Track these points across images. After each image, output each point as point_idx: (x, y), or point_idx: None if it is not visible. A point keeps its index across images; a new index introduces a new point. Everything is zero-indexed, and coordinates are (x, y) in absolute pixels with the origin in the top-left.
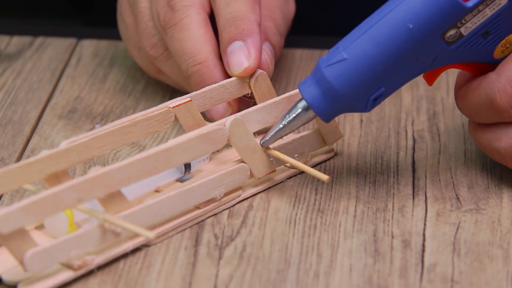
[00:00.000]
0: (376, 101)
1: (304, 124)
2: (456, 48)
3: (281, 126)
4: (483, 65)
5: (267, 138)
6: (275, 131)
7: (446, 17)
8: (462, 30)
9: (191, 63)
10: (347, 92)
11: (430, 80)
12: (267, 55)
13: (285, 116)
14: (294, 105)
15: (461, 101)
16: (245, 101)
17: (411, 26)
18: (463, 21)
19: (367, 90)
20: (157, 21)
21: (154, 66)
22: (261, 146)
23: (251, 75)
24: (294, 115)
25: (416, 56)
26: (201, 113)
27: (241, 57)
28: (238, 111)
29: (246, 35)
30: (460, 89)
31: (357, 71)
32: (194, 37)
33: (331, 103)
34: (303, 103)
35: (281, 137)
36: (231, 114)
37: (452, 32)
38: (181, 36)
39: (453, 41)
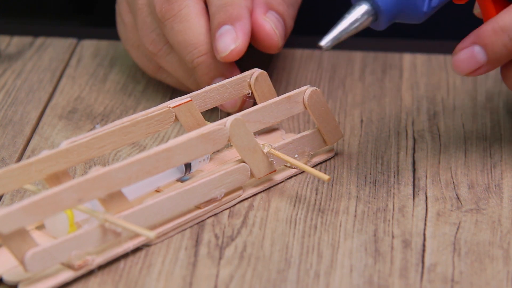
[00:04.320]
0: (432, 1)
1: (359, 30)
2: None
3: (341, 29)
4: None
5: (328, 40)
6: (336, 33)
7: None
8: None
9: (196, 54)
10: None
11: None
12: (273, 23)
13: (342, 19)
14: (351, 7)
15: None
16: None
17: None
18: None
19: None
20: (154, 15)
21: (153, 64)
22: (321, 48)
23: (251, 75)
24: (354, 18)
25: None
26: (201, 113)
27: (228, 40)
28: (239, 110)
29: (235, 19)
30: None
31: None
32: (195, 27)
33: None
34: (362, 5)
35: (340, 41)
36: (240, 105)
37: None
38: (181, 28)
39: None
